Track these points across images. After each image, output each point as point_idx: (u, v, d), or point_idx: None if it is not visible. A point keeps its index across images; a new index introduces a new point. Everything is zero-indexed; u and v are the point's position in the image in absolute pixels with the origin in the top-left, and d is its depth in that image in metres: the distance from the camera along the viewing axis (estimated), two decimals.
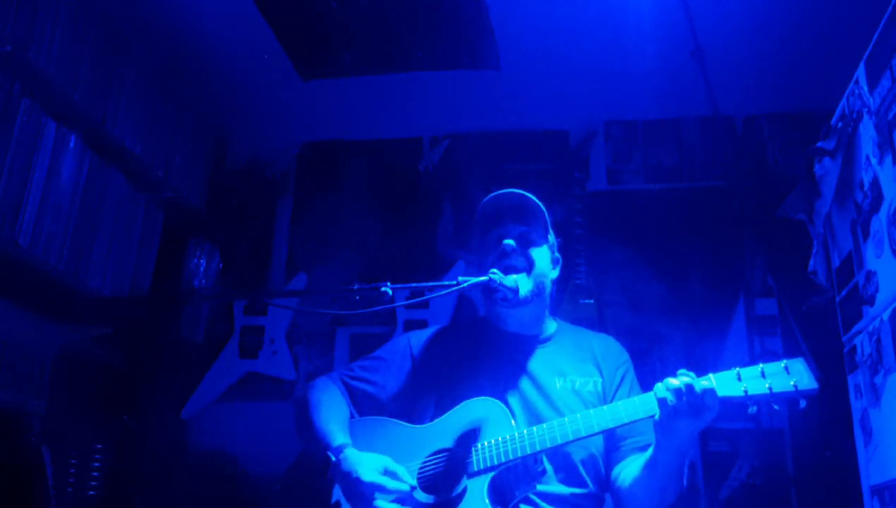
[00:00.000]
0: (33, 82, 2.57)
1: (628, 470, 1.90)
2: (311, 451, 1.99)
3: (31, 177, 2.53)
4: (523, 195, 2.08)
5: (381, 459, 1.84)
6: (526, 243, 2.05)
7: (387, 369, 2.11)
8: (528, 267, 2.03)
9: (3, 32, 2.41)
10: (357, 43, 3.24)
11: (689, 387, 1.66)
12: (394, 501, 1.78)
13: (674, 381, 1.68)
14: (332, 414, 2.00)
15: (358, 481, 1.79)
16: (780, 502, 3.03)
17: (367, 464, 1.82)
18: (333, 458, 1.86)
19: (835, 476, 2.85)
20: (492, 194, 2.10)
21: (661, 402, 1.69)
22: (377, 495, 1.78)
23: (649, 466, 1.81)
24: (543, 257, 2.08)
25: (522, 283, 2.02)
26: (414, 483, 1.83)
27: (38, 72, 2.56)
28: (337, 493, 1.90)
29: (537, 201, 2.09)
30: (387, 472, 1.81)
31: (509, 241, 2.02)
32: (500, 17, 3.05)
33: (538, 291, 2.06)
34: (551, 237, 2.14)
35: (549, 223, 2.11)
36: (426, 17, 3.06)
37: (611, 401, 2.00)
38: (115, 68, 2.92)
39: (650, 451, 1.81)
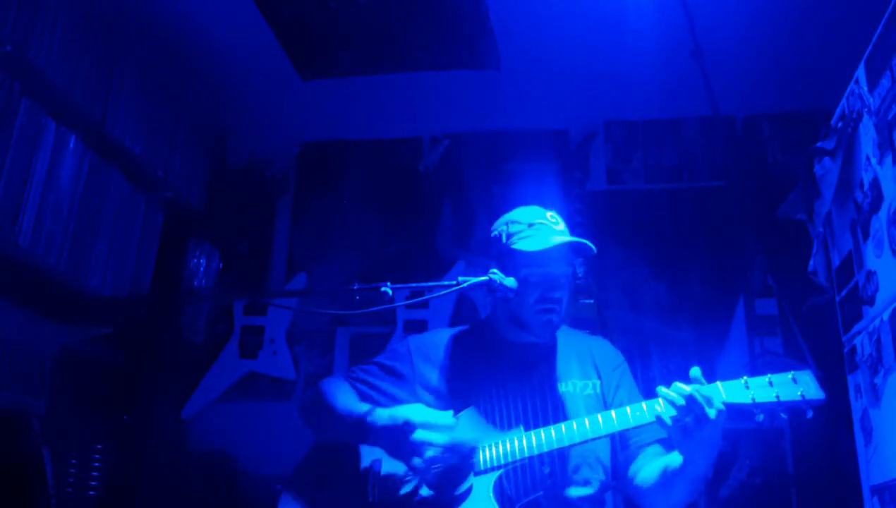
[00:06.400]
0: (33, 82, 2.57)
1: (648, 470, 1.90)
2: (332, 438, 2.01)
3: (31, 177, 2.53)
4: (581, 243, 1.99)
5: (418, 405, 1.89)
6: (565, 285, 2.02)
7: (387, 377, 2.11)
8: (561, 310, 2.02)
9: (3, 32, 2.41)
10: (357, 43, 3.24)
11: (691, 399, 1.66)
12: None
13: (671, 393, 1.70)
14: (350, 398, 2.03)
15: (406, 423, 1.82)
16: (780, 502, 3.03)
17: (407, 408, 1.86)
18: (368, 420, 1.88)
19: (835, 476, 2.85)
20: (544, 245, 1.97)
21: (672, 427, 1.69)
22: (419, 431, 1.81)
23: (677, 475, 1.79)
24: (570, 291, 2.07)
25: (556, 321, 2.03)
26: (453, 420, 1.85)
27: (38, 72, 2.56)
28: (366, 456, 1.94)
29: (582, 243, 1.99)
30: (428, 413, 1.85)
31: (558, 293, 1.99)
32: (500, 17, 3.05)
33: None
34: (579, 265, 2.11)
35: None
36: (426, 17, 3.06)
37: (610, 403, 2.02)
38: (115, 68, 2.92)
39: (677, 460, 1.79)
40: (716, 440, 1.72)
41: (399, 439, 1.82)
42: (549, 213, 2.07)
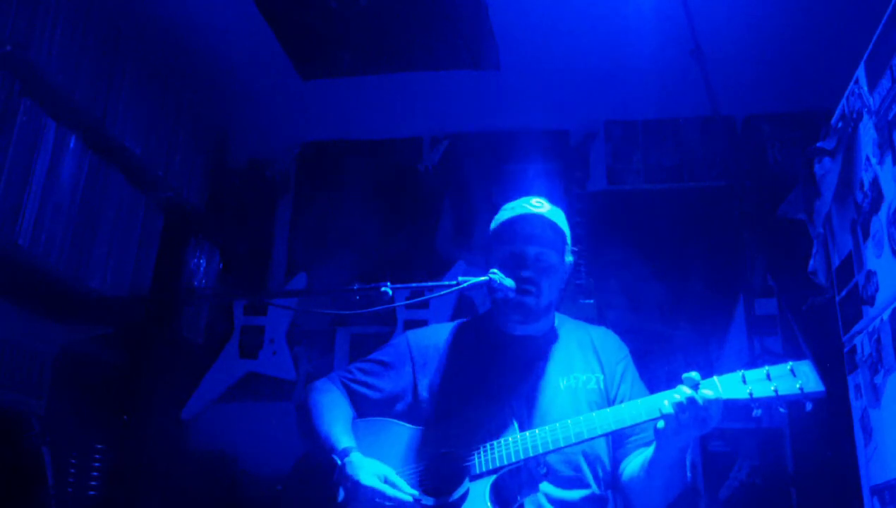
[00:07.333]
0: (33, 82, 2.57)
1: (632, 466, 1.91)
2: (315, 453, 1.99)
3: (31, 177, 2.53)
4: (541, 216, 2.03)
5: (383, 468, 1.84)
6: (541, 268, 2.01)
7: (385, 373, 2.10)
8: (539, 293, 2.01)
9: (3, 32, 2.41)
10: (357, 43, 3.24)
11: (692, 401, 1.67)
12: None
13: (676, 396, 1.69)
14: (335, 417, 1.99)
15: (357, 485, 1.79)
16: (780, 502, 3.03)
17: (367, 469, 1.82)
18: (339, 462, 1.86)
19: (835, 476, 2.85)
20: (510, 213, 2.04)
21: (666, 418, 1.69)
22: (377, 500, 1.78)
23: (651, 465, 1.82)
24: (556, 278, 2.06)
25: (531, 306, 2.01)
26: (416, 493, 1.82)
27: (38, 72, 2.56)
28: (343, 492, 1.90)
29: (555, 219, 2.04)
30: (387, 481, 1.81)
31: (526, 272, 1.99)
32: (500, 17, 3.05)
33: (548, 309, 2.07)
34: (568, 249, 2.09)
35: (566, 235, 2.09)
36: (426, 17, 3.05)
37: (613, 398, 2.00)
38: (115, 68, 2.92)
39: (651, 450, 1.81)
40: (694, 439, 1.75)
41: (352, 497, 1.81)
42: (534, 199, 2.08)
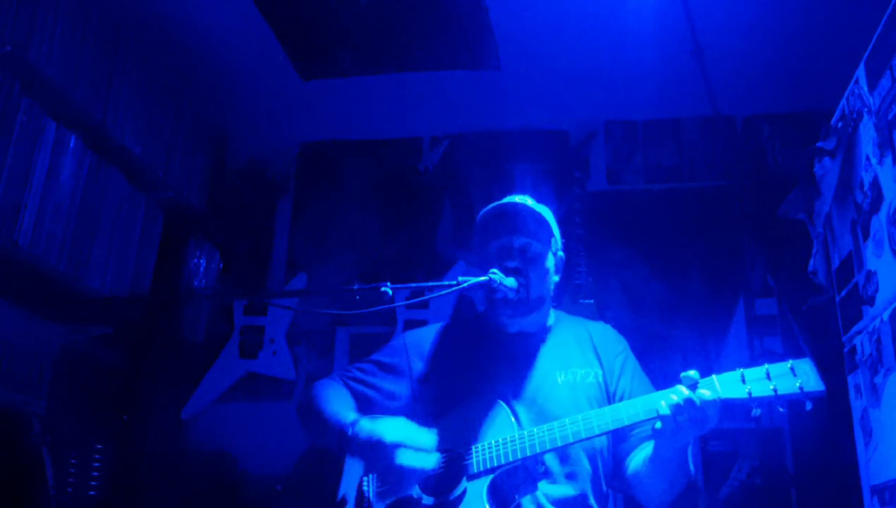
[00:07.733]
0: (33, 82, 2.57)
1: (636, 462, 1.91)
2: (321, 444, 1.98)
3: (31, 177, 2.53)
4: (523, 205, 2.05)
5: (400, 421, 1.85)
6: (528, 258, 2.02)
7: (384, 373, 2.10)
8: (527, 284, 2.01)
9: (3, 32, 2.41)
10: (357, 43, 3.24)
11: (689, 402, 1.65)
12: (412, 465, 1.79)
13: (673, 397, 1.67)
14: (341, 403, 2.01)
15: (380, 442, 1.79)
16: (780, 502, 3.03)
17: (387, 425, 1.83)
18: (349, 432, 1.85)
19: (835, 476, 2.85)
20: (492, 205, 2.08)
21: (663, 419, 1.68)
22: (399, 452, 1.78)
23: (652, 463, 1.82)
24: (544, 269, 2.05)
25: (522, 298, 2.01)
26: (439, 456, 1.82)
27: (38, 72, 2.56)
28: (344, 486, 1.90)
29: (538, 210, 2.06)
30: (408, 441, 1.81)
31: (511, 263, 2.00)
32: (500, 17, 3.05)
33: (539, 302, 2.06)
34: (556, 243, 2.11)
35: (552, 227, 2.10)
36: (426, 17, 3.06)
37: (613, 392, 2.00)
38: (115, 68, 2.92)
39: (651, 448, 1.81)
40: (693, 438, 1.73)
41: (377, 457, 1.81)
42: (518, 197, 2.10)
